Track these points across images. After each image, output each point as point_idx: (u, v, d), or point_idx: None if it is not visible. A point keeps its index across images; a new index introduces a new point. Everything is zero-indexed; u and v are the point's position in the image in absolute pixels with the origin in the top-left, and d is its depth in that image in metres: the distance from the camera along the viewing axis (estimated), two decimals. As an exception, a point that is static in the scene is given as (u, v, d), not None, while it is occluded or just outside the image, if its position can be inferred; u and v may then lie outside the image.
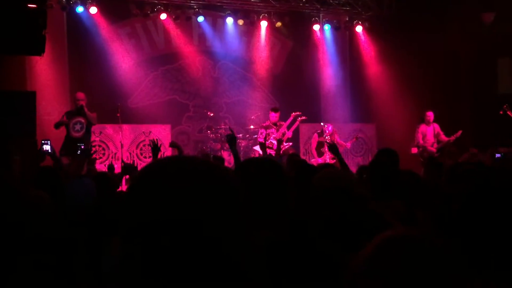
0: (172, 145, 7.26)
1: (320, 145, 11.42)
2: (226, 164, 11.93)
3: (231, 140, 5.24)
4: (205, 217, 1.12)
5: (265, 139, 11.08)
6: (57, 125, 10.09)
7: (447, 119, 12.32)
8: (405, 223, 3.05)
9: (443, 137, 11.58)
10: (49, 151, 7.97)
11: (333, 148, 5.79)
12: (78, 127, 9.96)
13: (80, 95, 10.18)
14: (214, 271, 1.12)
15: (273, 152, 10.86)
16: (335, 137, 11.61)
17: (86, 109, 10.04)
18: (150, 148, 12.01)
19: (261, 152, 10.83)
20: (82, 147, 9.22)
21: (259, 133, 11.44)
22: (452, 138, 11.39)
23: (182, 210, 1.12)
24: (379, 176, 3.56)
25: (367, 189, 3.60)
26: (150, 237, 1.12)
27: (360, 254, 1.26)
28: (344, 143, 11.83)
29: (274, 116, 11.41)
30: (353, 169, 9.03)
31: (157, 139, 6.81)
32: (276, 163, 2.53)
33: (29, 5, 8.53)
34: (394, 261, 1.19)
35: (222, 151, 12.15)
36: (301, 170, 4.28)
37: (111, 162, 9.37)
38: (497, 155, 10.08)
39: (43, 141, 8.37)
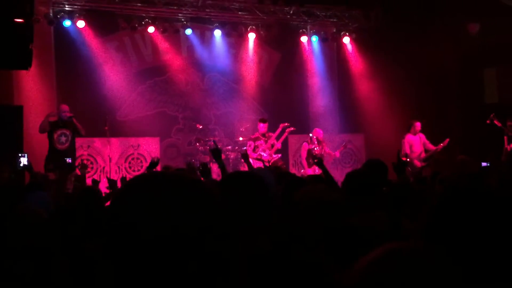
0: (165, 168, 7.29)
1: (309, 154, 11.40)
2: (215, 176, 11.93)
3: (215, 152, 5.23)
4: (184, 230, 1.13)
5: (254, 150, 11.10)
6: (43, 127, 9.81)
7: (434, 129, 12.39)
8: (388, 234, 3.05)
9: (430, 146, 11.62)
10: (26, 164, 7.91)
11: (319, 163, 5.81)
12: (63, 139, 9.81)
13: (65, 107, 10.06)
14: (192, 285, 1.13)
15: (261, 164, 10.87)
16: (323, 146, 11.61)
17: (75, 120, 9.94)
18: (139, 161, 12.06)
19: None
20: (69, 161, 9.13)
21: (248, 145, 11.46)
22: (440, 146, 11.43)
23: (160, 224, 1.12)
24: (359, 186, 3.55)
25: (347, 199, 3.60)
26: (128, 251, 1.12)
27: (354, 267, 1.25)
28: (332, 152, 11.86)
29: (262, 127, 11.43)
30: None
31: (157, 158, 6.74)
32: (258, 177, 2.53)
33: (16, 20, 8.51)
34: (391, 275, 1.18)
35: (211, 163, 12.12)
36: (288, 184, 4.27)
37: (94, 178, 9.24)
38: (483, 164, 10.14)
39: (20, 155, 8.29)
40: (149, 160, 11.91)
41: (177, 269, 1.12)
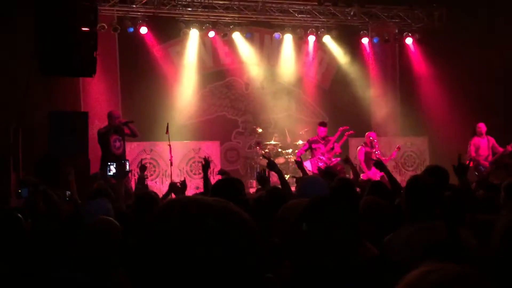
0: (221, 173, 7.39)
1: (368, 157, 11.19)
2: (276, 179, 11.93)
3: (271, 164, 5.42)
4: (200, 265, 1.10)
5: (309, 151, 10.99)
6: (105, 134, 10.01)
7: (502, 131, 11.91)
8: (447, 246, 2.94)
9: (499, 149, 11.19)
10: (115, 172, 8.13)
11: (378, 164, 5.70)
12: (118, 144, 10.03)
13: (118, 112, 10.33)
14: None
15: (322, 166, 10.78)
16: (376, 149, 11.36)
17: (130, 125, 10.09)
18: (200, 164, 12.19)
19: (309, 168, 10.75)
20: (127, 165, 9.29)
21: (303, 145, 11.41)
22: (509, 148, 10.97)
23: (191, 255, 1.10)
24: (418, 196, 3.43)
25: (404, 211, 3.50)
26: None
27: None
28: (382, 157, 11.51)
29: (322, 131, 11.31)
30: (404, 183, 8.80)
31: (208, 157, 6.87)
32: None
33: (82, 29, 8.81)
34: None
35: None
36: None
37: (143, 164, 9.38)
38: None
39: (109, 163, 8.56)
40: (211, 164, 12.04)
41: None
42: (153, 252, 1.11)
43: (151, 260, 1.11)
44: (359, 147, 11.42)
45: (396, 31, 14.02)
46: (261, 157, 12.39)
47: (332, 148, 11.16)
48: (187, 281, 1.08)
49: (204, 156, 9.78)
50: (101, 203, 4.21)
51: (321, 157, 11.03)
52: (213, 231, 1.12)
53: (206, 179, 5.52)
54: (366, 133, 11.55)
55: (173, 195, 6.35)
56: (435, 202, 3.49)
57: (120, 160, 9.55)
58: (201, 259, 1.09)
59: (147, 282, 1.11)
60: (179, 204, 1.19)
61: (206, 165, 5.70)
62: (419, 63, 14.10)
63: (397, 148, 12.02)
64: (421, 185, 3.59)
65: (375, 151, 11.21)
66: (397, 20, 13.86)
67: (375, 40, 13.95)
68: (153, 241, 1.13)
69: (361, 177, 11.03)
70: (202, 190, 6.64)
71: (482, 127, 11.29)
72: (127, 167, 9.02)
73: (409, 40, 13.93)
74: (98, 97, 11.93)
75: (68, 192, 5.96)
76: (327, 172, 6.23)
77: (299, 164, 6.70)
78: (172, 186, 6.45)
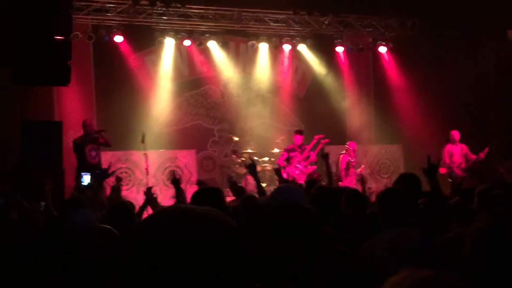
0: (198, 183, 7.36)
1: (348, 165, 11.30)
2: (251, 187, 11.93)
3: (251, 168, 5.39)
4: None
5: (287, 160, 11.03)
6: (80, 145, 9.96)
7: (474, 139, 12.10)
8: (421, 251, 2.98)
9: (472, 156, 11.38)
10: (90, 182, 8.05)
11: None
12: (94, 153, 9.93)
13: (91, 120, 10.25)
14: None
15: (298, 174, 10.83)
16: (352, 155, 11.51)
17: (102, 134, 10.00)
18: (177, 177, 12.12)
19: (283, 175, 10.77)
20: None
21: (281, 154, 11.44)
22: (481, 155, 11.17)
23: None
24: (393, 202, 3.49)
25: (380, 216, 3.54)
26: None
27: None
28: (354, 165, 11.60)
29: (299, 139, 11.35)
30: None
31: (174, 171, 6.80)
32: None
33: (56, 37, 8.72)
34: None
35: (247, 175, 12.15)
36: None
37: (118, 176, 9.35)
38: None
39: (82, 173, 8.46)
40: (185, 172, 12.01)
41: None
42: (146, 261, 1.11)
43: (145, 268, 1.11)
44: (341, 155, 11.45)
45: (370, 40, 14.18)
46: (237, 166, 12.39)
47: (308, 157, 11.21)
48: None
49: (173, 170, 9.77)
50: (85, 214, 4.17)
51: (297, 165, 11.07)
52: (206, 240, 1.12)
53: (178, 192, 5.38)
54: (349, 142, 11.68)
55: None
56: (407, 208, 3.56)
57: (95, 170, 9.47)
58: (195, 267, 1.09)
59: None
60: (173, 213, 1.19)
61: (174, 180, 5.53)
62: (393, 72, 14.27)
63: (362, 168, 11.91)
64: (392, 192, 3.67)
65: (351, 159, 11.34)
66: (371, 29, 14.03)
67: (349, 49, 14.07)
68: (146, 249, 1.12)
69: (339, 184, 11.11)
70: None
71: (455, 134, 11.48)
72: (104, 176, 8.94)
73: (382, 49, 14.10)
74: (72, 106, 11.81)
75: (42, 203, 5.88)
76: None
77: (278, 171, 6.70)
78: (148, 192, 6.36)
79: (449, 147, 11.50)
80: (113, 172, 8.92)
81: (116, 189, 8.45)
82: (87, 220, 4.01)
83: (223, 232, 1.15)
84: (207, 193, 3.93)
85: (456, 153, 11.47)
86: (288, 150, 11.32)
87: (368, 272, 2.86)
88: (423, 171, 4.76)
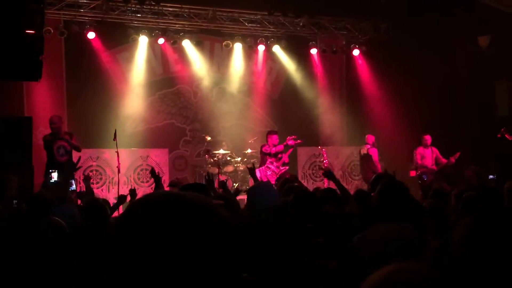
0: (172, 184, 7.31)
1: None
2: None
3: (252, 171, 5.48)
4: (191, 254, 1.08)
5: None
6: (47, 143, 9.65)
7: (445, 142, 12.29)
8: (415, 248, 3.02)
9: (442, 160, 11.56)
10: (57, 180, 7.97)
11: (327, 174, 5.78)
12: (62, 151, 9.70)
13: (55, 118, 9.73)
14: None
15: (270, 174, 10.82)
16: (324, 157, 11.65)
17: (62, 132, 9.68)
18: (148, 172, 12.03)
19: (258, 175, 10.77)
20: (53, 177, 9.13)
21: (268, 161, 11.17)
22: (452, 159, 11.35)
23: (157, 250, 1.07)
24: (394, 196, 3.51)
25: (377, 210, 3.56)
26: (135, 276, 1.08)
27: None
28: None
29: (274, 139, 11.28)
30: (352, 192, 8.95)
31: (153, 167, 6.73)
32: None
33: (27, 31, 8.55)
34: None
35: (219, 175, 12.11)
36: (300, 196, 4.22)
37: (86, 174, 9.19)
38: (490, 176, 10.14)
39: (50, 170, 8.34)
40: (157, 170, 11.89)
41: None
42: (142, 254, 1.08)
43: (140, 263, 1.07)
44: (369, 149, 11.71)
45: (344, 42, 14.29)
46: (210, 165, 12.33)
47: (280, 158, 11.21)
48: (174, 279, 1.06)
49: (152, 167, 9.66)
50: (67, 208, 4.12)
51: (270, 166, 11.07)
52: (197, 227, 1.09)
53: (158, 186, 5.37)
54: (367, 135, 11.86)
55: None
56: (408, 203, 3.60)
57: (63, 168, 9.30)
58: (190, 252, 1.07)
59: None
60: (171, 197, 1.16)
61: (155, 174, 5.49)
62: (366, 75, 14.40)
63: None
64: (396, 186, 3.69)
65: (323, 160, 11.41)
66: (344, 32, 14.14)
67: (323, 51, 14.15)
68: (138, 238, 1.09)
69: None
70: None
71: (428, 139, 11.66)
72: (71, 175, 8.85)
73: (356, 52, 14.21)
74: (42, 102, 11.59)
75: (15, 201, 5.77)
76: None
77: (252, 170, 6.69)
78: (133, 193, 6.29)
79: (420, 149, 11.66)
80: (79, 167, 8.83)
81: (89, 189, 8.24)
82: (69, 214, 3.97)
83: (216, 218, 1.13)
84: (194, 187, 3.90)
85: (427, 156, 11.64)
86: (264, 151, 11.22)
87: (360, 262, 2.88)
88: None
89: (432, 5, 12.34)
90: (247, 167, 7.54)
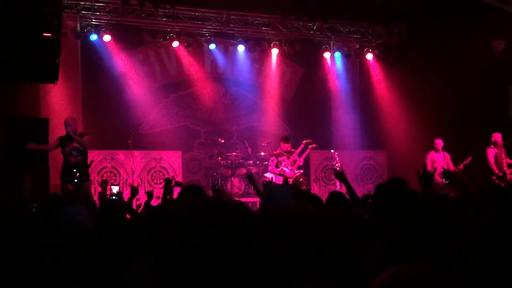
0: (176, 184, 7.37)
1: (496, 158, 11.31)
2: (236, 190, 12.00)
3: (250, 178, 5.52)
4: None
5: (276, 166, 11.11)
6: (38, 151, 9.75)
7: (458, 147, 12.26)
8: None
9: (452, 167, 11.53)
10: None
11: (340, 175, 5.82)
12: (75, 153, 9.84)
13: (70, 120, 9.96)
14: None
15: (282, 180, 10.88)
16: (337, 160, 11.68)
17: (73, 135, 9.80)
18: (161, 174, 12.16)
19: (269, 177, 10.86)
20: (77, 175, 9.25)
21: (270, 160, 11.46)
22: (461, 166, 11.32)
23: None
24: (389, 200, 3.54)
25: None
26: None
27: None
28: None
29: (286, 147, 11.38)
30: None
31: (172, 177, 6.86)
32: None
33: (44, 34, 8.68)
34: None
35: (232, 177, 12.22)
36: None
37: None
38: None
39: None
40: (171, 173, 12.04)
41: None
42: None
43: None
44: (488, 148, 11.33)
45: (357, 46, 14.31)
46: (223, 168, 12.41)
47: (295, 161, 11.28)
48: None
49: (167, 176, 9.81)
50: (79, 209, 4.20)
51: (285, 169, 11.14)
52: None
53: (166, 193, 5.49)
54: (494, 134, 11.54)
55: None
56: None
57: (76, 169, 9.43)
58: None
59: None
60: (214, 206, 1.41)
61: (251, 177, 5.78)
62: (379, 79, 14.40)
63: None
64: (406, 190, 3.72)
65: (336, 164, 11.45)
66: (358, 36, 14.16)
67: (336, 55, 14.18)
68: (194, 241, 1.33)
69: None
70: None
71: (439, 143, 11.64)
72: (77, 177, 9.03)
73: (369, 56, 14.23)
74: (59, 104, 11.75)
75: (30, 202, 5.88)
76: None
77: (251, 178, 6.73)
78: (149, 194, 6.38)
79: (432, 154, 11.65)
80: (90, 164, 9.01)
81: (103, 191, 8.41)
82: (81, 215, 4.04)
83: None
84: (192, 190, 3.97)
85: (438, 160, 11.61)
86: (276, 155, 11.37)
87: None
88: (418, 178, 4.77)
89: (446, 9, 12.33)
90: (246, 176, 7.63)
